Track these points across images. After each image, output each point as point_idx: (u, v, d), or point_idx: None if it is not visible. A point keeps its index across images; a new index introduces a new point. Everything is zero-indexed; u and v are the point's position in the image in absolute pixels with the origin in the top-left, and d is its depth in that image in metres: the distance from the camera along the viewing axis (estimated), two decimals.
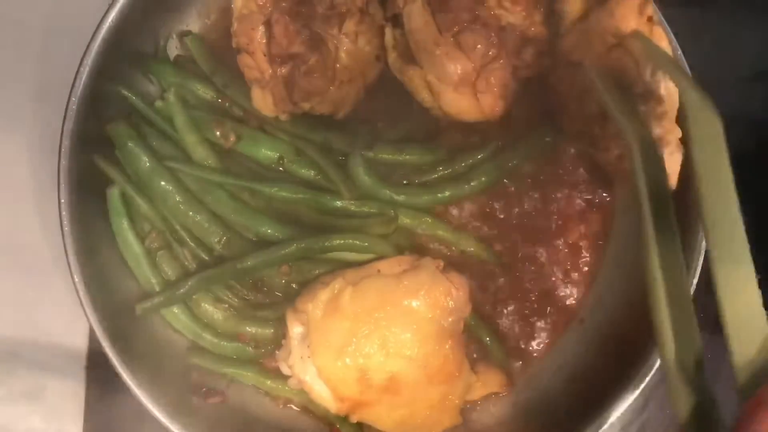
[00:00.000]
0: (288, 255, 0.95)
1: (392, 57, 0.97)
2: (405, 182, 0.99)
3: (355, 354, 0.88)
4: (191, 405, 0.95)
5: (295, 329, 0.90)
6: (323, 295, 0.89)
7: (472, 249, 0.99)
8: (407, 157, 0.99)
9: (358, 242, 0.95)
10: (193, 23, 1.05)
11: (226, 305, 0.98)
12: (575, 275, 1.03)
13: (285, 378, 0.95)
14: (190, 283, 0.94)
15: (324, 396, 0.90)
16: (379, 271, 0.91)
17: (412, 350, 0.87)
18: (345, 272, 0.92)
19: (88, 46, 0.89)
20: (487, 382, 0.96)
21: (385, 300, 0.88)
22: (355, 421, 0.93)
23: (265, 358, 0.99)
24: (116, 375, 0.87)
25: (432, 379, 0.89)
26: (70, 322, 1.05)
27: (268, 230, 0.96)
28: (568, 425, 0.90)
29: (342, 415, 0.92)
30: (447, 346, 0.89)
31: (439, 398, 0.90)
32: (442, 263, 0.92)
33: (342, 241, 0.95)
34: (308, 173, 0.98)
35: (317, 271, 0.96)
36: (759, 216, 1.10)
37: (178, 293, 0.94)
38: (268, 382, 0.98)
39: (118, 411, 1.04)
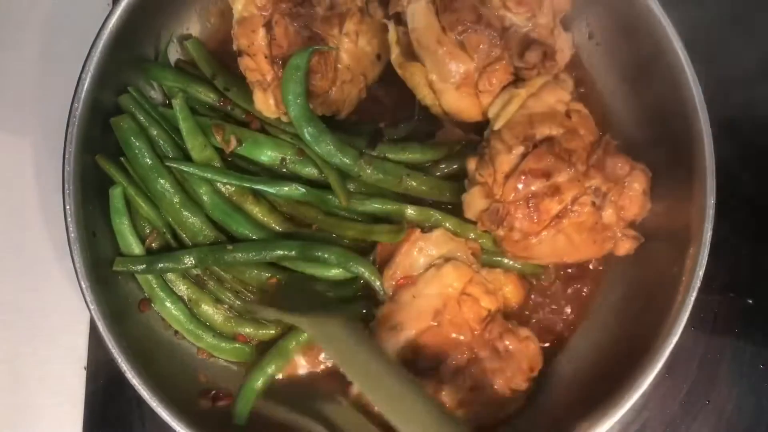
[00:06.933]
0: (276, 255, 0.94)
1: (394, 53, 0.97)
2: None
3: None
4: (196, 406, 0.95)
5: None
6: None
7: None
8: (409, 155, 0.99)
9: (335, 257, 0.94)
10: (194, 27, 1.05)
11: (227, 306, 0.98)
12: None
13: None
14: (172, 255, 0.94)
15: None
16: None
17: None
18: None
19: (89, 51, 0.89)
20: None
21: None
22: None
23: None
24: (117, 375, 0.87)
25: None
26: (72, 322, 1.05)
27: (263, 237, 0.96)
28: (568, 425, 0.90)
29: None
30: None
31: None
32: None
33: (326, 254, 0.94)
34: (311, 172, 0.98)
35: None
36: (760, 216, 1.11)
37: (159, 265, 0.94)
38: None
39: (117, 411, 1.04)
